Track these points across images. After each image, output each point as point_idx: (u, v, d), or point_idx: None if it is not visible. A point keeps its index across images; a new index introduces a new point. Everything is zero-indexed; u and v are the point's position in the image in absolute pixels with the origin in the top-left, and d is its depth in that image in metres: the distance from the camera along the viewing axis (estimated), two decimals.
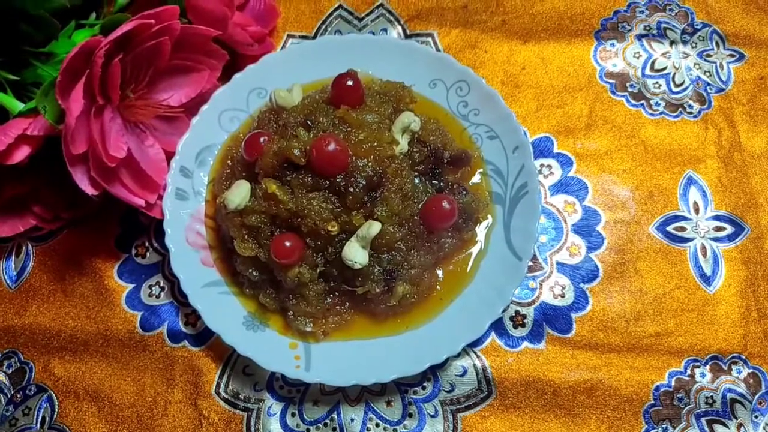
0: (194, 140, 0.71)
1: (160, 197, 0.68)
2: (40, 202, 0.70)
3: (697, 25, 0.80)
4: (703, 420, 0.64)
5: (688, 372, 0.65)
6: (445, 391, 0.66)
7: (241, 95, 0.74)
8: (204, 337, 0.68)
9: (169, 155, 0.70)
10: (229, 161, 0.71)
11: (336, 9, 0.83)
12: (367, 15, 0.82)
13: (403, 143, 0.65)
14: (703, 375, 0.65)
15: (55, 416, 0.66)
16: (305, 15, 0.83)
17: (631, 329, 0.67)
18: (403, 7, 0.82)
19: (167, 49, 0.64)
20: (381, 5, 0.82)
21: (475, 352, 0.67)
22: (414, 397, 0.66)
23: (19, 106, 0.64)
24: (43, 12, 0.66)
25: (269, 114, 0.69)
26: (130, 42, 0.61)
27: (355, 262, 0.60)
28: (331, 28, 0.82)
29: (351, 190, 0.60)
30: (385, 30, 0.81)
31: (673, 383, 0.65)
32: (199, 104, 0.71)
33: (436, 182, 0.67)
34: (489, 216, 0.69)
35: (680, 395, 0.64)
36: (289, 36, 0.82)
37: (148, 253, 0.72)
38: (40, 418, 0.66)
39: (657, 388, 0.65)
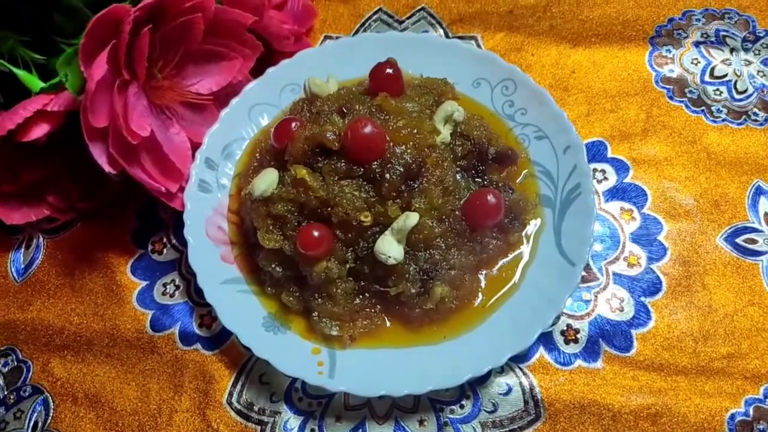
0: (222, 132, 0.67)
1: (182, 189, 0.64)
2: (56, 191, 0.66)
3: (759, 32, 0.75)
4: None
5: None
6: (487, 411, 0.58)
7: (273, 90, 0.70)
8: (218, 340, 0.62)
9: (195, 145, 0.66)
10: (257, 154, 0.66)
11: (376, 12, 0.80)
12: (408, 18, 0.79)
13: (445, 133, 0.60)
14: None
15: (49, 421, 0.60)
16: (344, 17, 0.80)
17: (699, 349, 0.59)
18: (446, 11, 0.79)
19: (199, 28, 0.61)
20: (423, 8, 0.79)
21: (521, 369, 0.59)
22: (451, 416, 0.57)
23: (40, 84, 0.61)
24: (76, 1, 0.64)
25: (302, 104, 0.65)
26: (161, 17, 0.58)
27: (389, 257, 0.54)
28: (370, 30, 0.79)
29: (387, 177, 0.55)
30: (426, 32, 0.78)
31: (751, 412, 0.56)
32: (229, 95, 0.68)
33: (480, 180, 0.62)
34: (537, 219, 0.63)
35: (762, 427, 0.55)
36: (326, 37, 0.79)
37: (165, 250, 0.67)
38: (32, 423, 0.60)
39: (732, 417, 0.56)
